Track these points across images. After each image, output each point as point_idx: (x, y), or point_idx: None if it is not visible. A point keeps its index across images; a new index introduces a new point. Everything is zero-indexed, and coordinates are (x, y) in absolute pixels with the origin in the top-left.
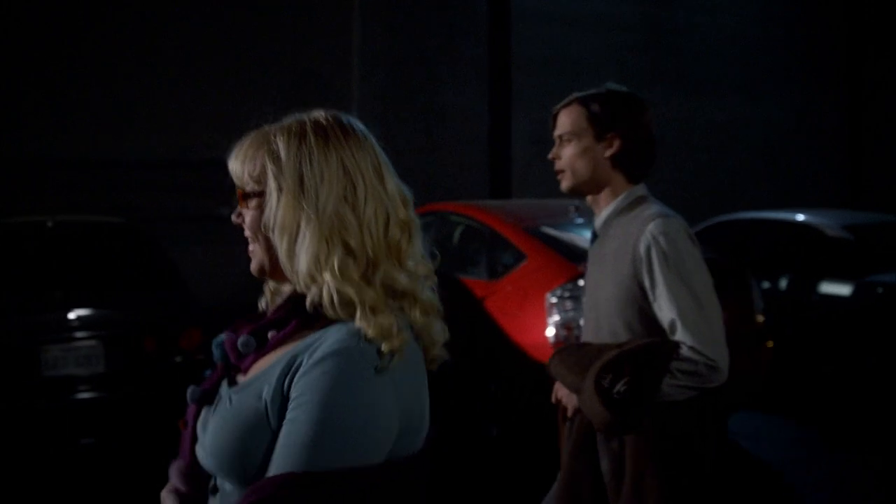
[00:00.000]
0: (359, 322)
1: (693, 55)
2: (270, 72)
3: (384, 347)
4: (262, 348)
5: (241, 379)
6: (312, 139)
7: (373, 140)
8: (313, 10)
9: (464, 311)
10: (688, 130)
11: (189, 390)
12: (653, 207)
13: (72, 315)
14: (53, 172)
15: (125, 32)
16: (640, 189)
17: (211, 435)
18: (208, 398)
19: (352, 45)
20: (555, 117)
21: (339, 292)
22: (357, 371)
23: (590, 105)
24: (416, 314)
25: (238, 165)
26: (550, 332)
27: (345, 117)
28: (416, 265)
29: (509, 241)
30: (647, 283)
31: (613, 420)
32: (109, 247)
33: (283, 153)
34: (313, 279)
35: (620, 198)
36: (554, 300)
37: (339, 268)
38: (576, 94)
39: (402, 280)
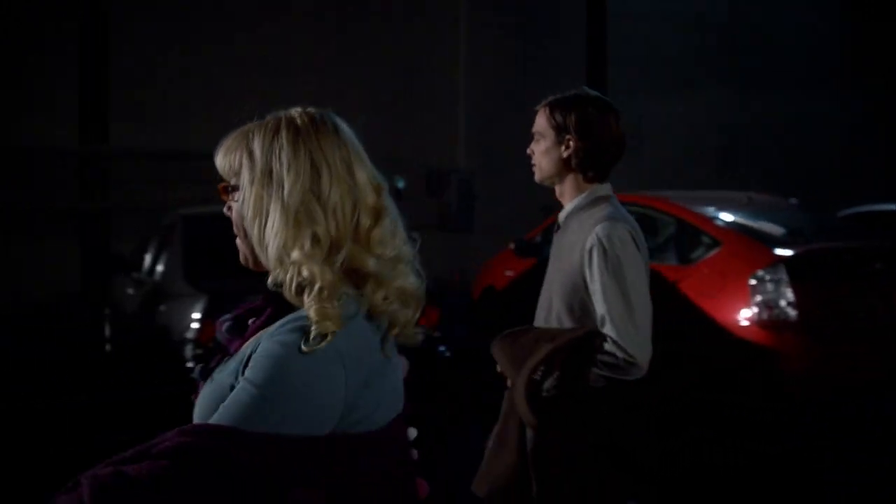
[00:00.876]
0: (307, 302)
1: (779, 51)
2: (381, 72)
3: (315, 330)
4: (244, 333)
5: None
6: (284, 134)
7: (347, 134)
8: (422, 10)
9: (654, 294)
10: (771, 125)
11: (197, 369)
12: (607, 210)
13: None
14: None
15: (241, 31)
16: (604, 189)
17: (196, 409)
18: (209, 375)
19: (459, 45)
20: (536, 115)
21: (300, 272)
22: (299, 348)
23: (552, 110)
24: (379, 297)
25: (221, 160)
26: (753, 311)
27: (320, 113)
28: (387, 249)
29: (700, 228)
30: (588, 277)
31: (540, 422)
32: None
33: (256, 148)
34: (281, 262)
35: (581, 196)
36: (755, 282)
37: (303, 251)
38: (548, 98)
39: (368, 263)
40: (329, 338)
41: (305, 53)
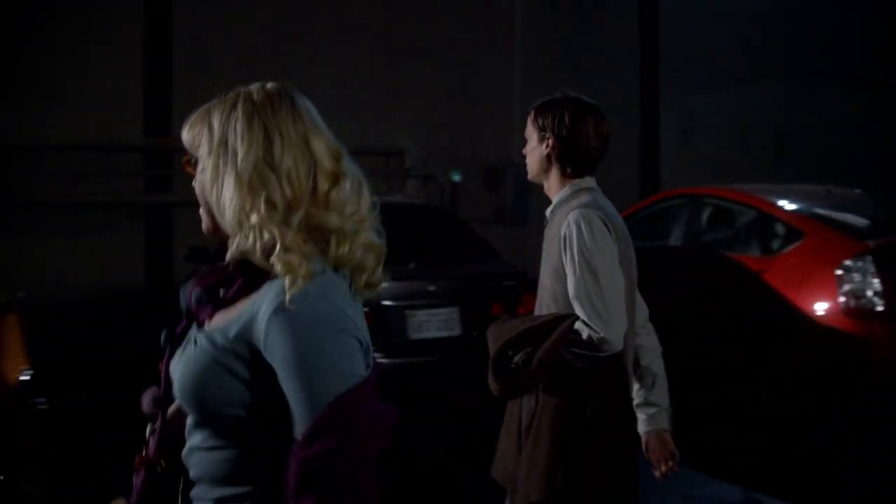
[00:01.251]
0: (274, 258)
1: (828, 44)
2: (437, 67)
3: (288, 281)
4: (216, 302)
5: (206, 325)
6: (240, 107)
7: (304, 107)
8: (478, 6)
9: (736, 284)
10: (820, 118)
11: (163, 334)
12: (584, 199)
13: (432, 285)
14: None
15: (300, 26)
16: (585, 182)
17: (179, 371)
18: (178, 341)
19: (514, 41)
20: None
21: (261, 235)
22: (317, 321)
23: (536, 113)
24: (345, 249)
25: (185, 135)
26: (840, 301)
27: (279, 87)
28: (347, 210)
29: (783, 220)
30: (565, 263)
31: (501, 388)
32: (431, 224)
33: (215, 122)
34: (241, 226)
35: (564, 189)
36: (842, 272)
37: (260, 214)
38: (534, 103)
39: (329, 220)
40: (301, 282)
41: (364, 49)
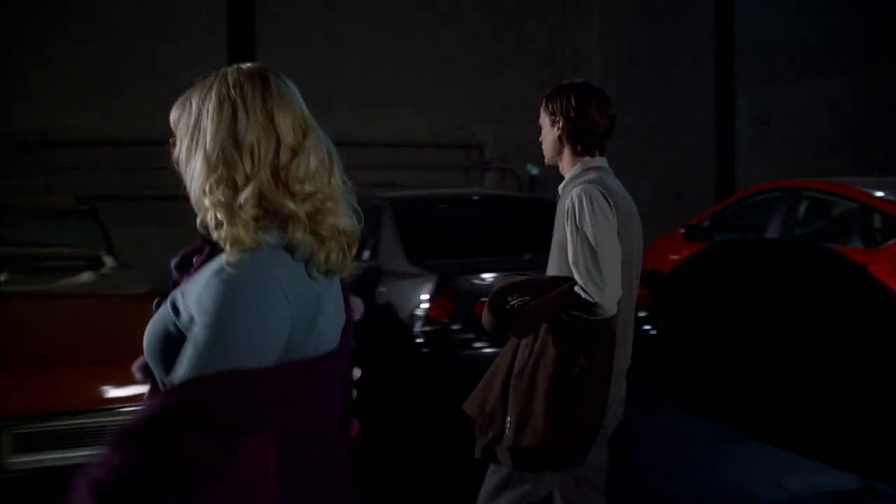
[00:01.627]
0: (223, 230)
1: None
2: (514, 63)
3: (230, 251)
4: (189, 269)
5: (175, 291)
6: (214, 87)
7: (276, 86)
8: (556, 1)
9: (840, 276)
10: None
11: (155, 302)
12: (591, 176)
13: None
14: None
15: (383, 20)
16: (595, 161)
17: (145, 334)
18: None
19: (591, 35)
20: None
21: (216, 214)
22: (238, 284)
23: (547, 100)
24: (298, 234)
25: (171, 115)
26: None
27: (253, 67)
28: (307, 186)
29: (886, 211)
30: (567, 234)
31: (493, 321)
32: (542, 216)
33: (193, 102)
34: (201, 201)
35: (575, 167)
36: None
37: (217, 192)
38: (546, 93)
39: (285, 205)
40: (243, 257)
41: (443, 44)
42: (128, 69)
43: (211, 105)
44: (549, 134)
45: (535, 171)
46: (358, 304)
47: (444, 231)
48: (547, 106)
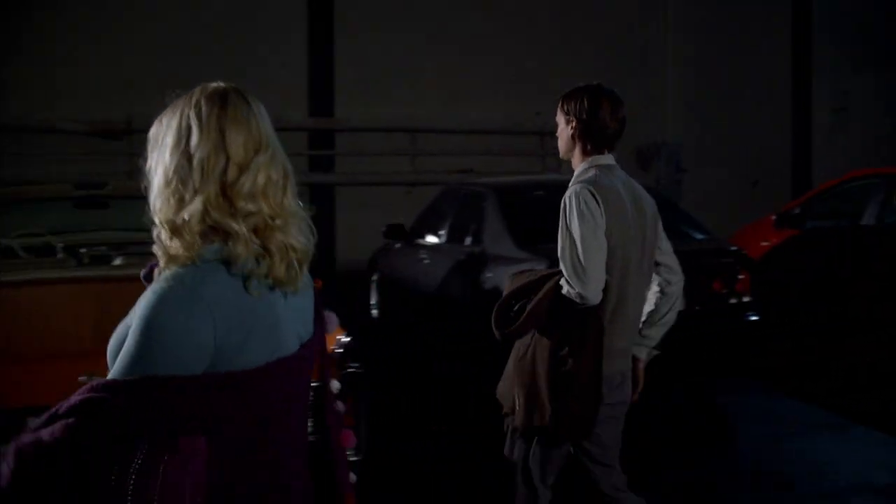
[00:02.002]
0: (161, 248)
1: None
2: (590, 46)
3: (163, 267)
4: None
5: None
6: (180, 106)
7: (235, 103)
8: None
9: None
10: None
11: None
12: (588, 175)
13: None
14: None
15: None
16: (602, 159)
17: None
18: None
19: (668, 21)
20: None
21: (161, 226)
22: (166, 297)
23: (563, 101)
24: (238, 249)
25: (150, 133)
26: None
27: (217, 86)
28: (252, 203)
29: None
30: (559, 229)
31: (500, 334)
32: None
33: (164, 119)
34: (154, 214)
35: (582, 165)
36: None
37: (167, 208)
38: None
39: (227, 223)
40: (177, 271)
41: (520, 33)
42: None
43: (174, 122)
44: (563, 132)
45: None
46: (332, 319)
47: (550, 216)
48: (563, 106)
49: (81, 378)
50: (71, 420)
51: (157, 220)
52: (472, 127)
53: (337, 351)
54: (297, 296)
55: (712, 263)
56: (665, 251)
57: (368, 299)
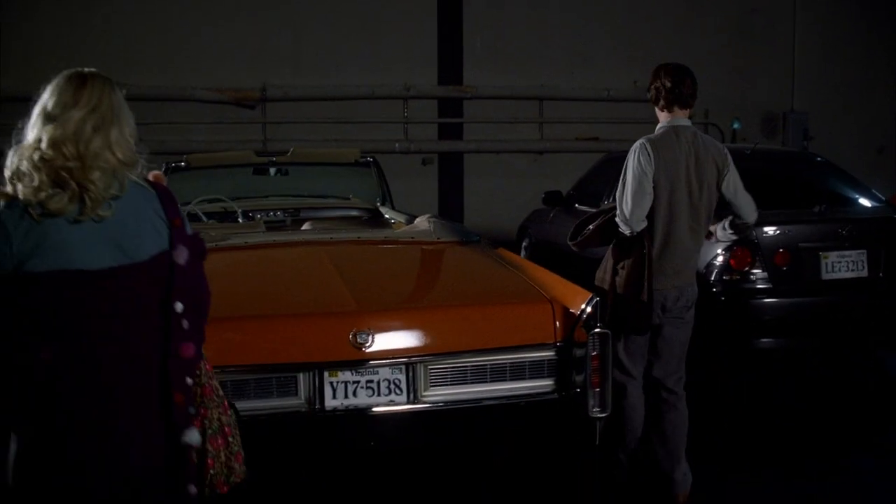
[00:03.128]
0: None
1: None
2: (716, 16)
3: None
4: None
5: None
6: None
7: (68, 79)
8: None
9: None
10: None
11: None
12: (654, 134)
13: (841, 228)
14: None
15: None
16: (676, 120)
17: None
18: None
19: None
20: None
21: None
22: None
23: (653, 72)
24: (19, 187)
25: None
26: None
27: (78, 71)
28: (50, 151)
29: None
30: None
31: (574, 244)
32: (817, 170)
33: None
34: None
35: (660, 124)
36: None
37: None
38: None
39: (22, 165)
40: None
41: (641, 4)
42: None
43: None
44: (653, 97)
45: (737, 125)
46: (181, 251)
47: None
48: (652, 77)
49: None
50: None
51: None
52: (599, 95)
53: (587, 311)
54: (104, 225)
55: (894, 230)
56: (734, 194)
57: None
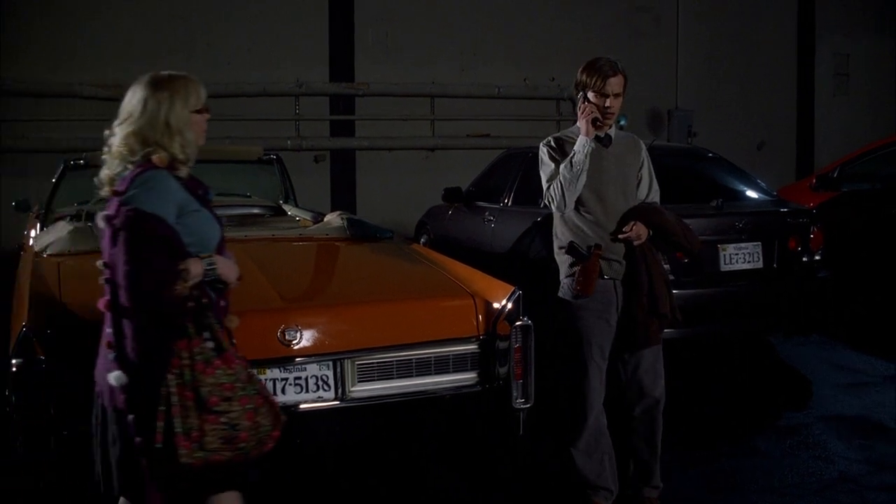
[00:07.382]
0: None
1: None
2: (604, 13)
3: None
4: None
5: None
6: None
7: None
8: None
9: None
10: None
11: None
12: (561, 132)
13: (737, 221)
14: None
15: None
16: None
17: None
18: None
19: None
20: (605, 80)
21: None
22: None
23: (625, 72)
24: None
25: None
26: None
27: (159, 74)
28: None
29: None
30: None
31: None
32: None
33: None
34: None
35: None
36: None
37: None
38: (619, 66)
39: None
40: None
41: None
42: None
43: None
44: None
45: (623, 122)
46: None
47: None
48: (625, 78)
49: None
50: None
51: None
52: (490, 92)
53: (508, 306)
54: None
55: (788, 223)
56: (648, 187)
57: None
